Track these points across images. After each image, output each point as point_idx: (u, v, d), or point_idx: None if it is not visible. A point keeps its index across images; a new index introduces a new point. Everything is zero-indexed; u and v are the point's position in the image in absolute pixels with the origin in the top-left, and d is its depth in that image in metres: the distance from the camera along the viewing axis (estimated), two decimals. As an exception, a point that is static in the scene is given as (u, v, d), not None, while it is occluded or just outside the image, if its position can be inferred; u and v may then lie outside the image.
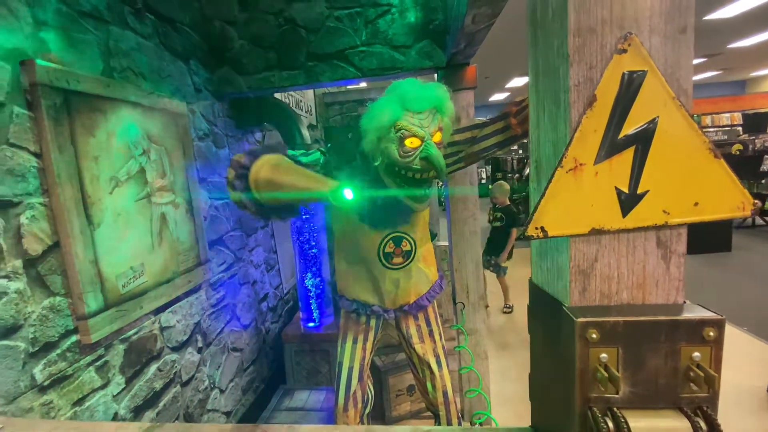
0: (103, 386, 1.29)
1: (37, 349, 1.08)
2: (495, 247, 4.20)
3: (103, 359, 1.30)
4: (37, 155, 1.11)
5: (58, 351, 1.14)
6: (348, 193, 0.93)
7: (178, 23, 1.83)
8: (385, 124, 1.09)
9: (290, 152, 1.25)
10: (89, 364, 1.24)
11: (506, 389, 2.68)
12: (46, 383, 1.10)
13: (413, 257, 1.42)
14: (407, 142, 1.09)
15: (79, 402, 1.20)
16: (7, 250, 1.02)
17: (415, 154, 1.10)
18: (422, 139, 1.09)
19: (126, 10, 1.50)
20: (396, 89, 1.13)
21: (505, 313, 4.30)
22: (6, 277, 1.02)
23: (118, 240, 1.31)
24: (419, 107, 1.08)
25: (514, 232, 4.15)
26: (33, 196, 1.10)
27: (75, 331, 1.19)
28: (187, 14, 1.91)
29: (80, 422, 1.01)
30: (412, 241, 1.40)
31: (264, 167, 1.08)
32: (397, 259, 1.40)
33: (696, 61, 8.43)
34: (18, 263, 1.05)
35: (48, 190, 1.13)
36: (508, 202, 4.28)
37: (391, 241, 1.38)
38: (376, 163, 1.17)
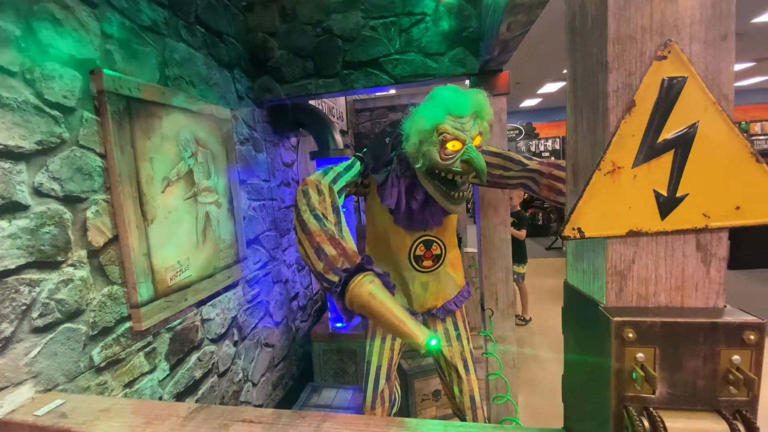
0: (151, 371, 1.38)
1: (95, 332, 1.18)
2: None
3: (152, 346, 1.39)
4: (101, 156, 1.22)
5: (114, 336, 1.24)
6: (435, 343, 0.87)
7: (224, 35, 1.95)
8: (428, 128, 1.12)
9: (334, 168, 1.24)
10: (139, 350, 1.34)
11: (532, 401, 2.61)
12: (102, 365, 1.20)
13: (442, 261, 1.44)
14: (449, 145, 1.12)
15: (130, 384, 1.30)
16: (75, 241, 1.13)
17: (456, 156, 1.13)
18: (463, 143, 1.12)
19: (180, 23, 1.62)
20: (438, 95, 1.16)
21: (518, 325, 3.99)
22: (72, 265, 1.12)
23: (167, 236, 1.41)
24: (461, 112, 1.11)
25: (523, 233, 4.04)
26: (97, 193, 1.21)
27: (128, 318, 1.29)
28: (233, 26, 2.03)
29: (133, 400, 1.09)
30: (442, 245, 1.43)
31: (362, 293, 0.95)
32: (427, 263, 1.43)
33: (744, 66, 7.97)
34: (83, 253, 1.15)
35: (110, 188, 1.24)
36: (519, 207, 4.18)
37: (422, 244, 1.41)
38: (417, 166, 1.20)
